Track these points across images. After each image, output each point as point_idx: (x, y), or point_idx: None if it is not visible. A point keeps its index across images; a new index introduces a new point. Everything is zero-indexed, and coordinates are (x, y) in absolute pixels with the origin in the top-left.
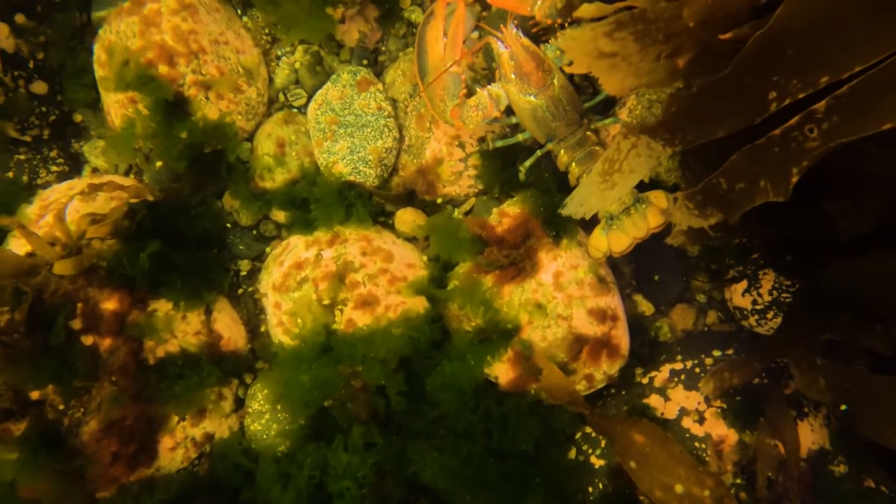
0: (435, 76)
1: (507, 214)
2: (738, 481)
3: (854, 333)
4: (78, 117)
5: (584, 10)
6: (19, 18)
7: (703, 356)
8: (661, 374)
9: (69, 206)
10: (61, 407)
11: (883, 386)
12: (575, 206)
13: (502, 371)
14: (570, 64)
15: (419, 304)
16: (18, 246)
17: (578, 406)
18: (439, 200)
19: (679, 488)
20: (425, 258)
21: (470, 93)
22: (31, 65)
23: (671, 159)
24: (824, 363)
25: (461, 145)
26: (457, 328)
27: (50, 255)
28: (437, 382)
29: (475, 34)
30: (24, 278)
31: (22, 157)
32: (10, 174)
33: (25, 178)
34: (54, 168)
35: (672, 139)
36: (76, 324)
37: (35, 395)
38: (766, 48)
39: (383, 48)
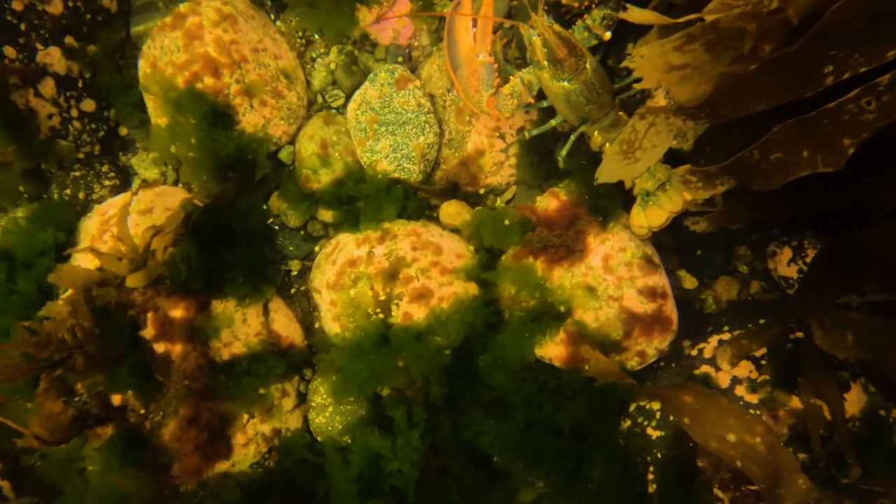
0: (467, 68)
1: (555, 196)
2: (780, 437)
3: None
4: (123, 130)
5: (639, 17)
6: (69, 41)
7: (749, 325)
8: (710, 345)
9: (129, 221)
10: (142, 411)
11: None
12: (606, 175)
13: (556, 352)
14: (640, 81)
15: (471, 290)
16: (86, 262)
17: (626, 381)
18: (482, 191)
19: (732, 437)
20: (472, 248)
21: (504, 81)
22: (80, 84)
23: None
24: (855, 316)
25: (501, 136)
26: (510, 311)
27: (119, 270)
28: (489, 359)
29: (506, 22)
30: (98, 290)
31: (77, 174)
32: (68, 191)
33: (82, 194)
34: (107, 182)
35: (698, 115)
36: (149, 332)
37: (117, 400)
38: (837, 22)
39: (416, 44)
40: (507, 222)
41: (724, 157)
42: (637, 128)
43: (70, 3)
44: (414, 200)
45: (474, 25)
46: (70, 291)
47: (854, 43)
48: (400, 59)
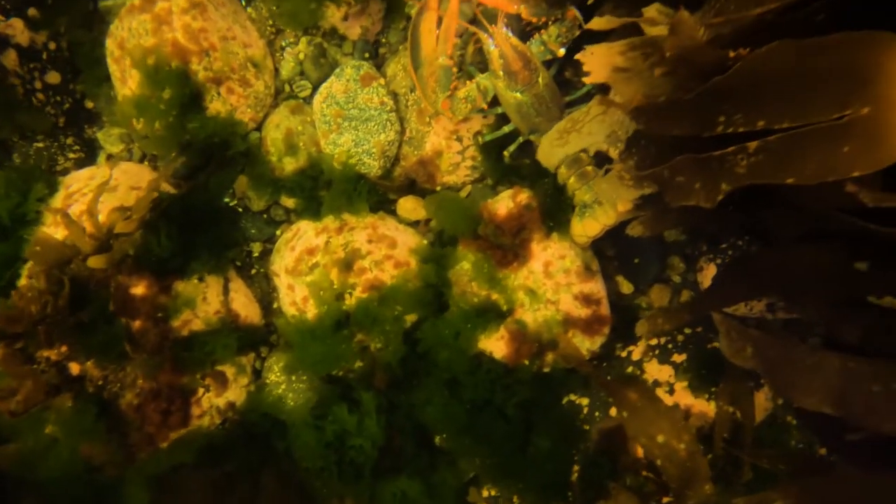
0: (427, 68)
1: (509, 199)
2: (700, 447)
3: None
4: (90, 104)
5: (596, 24)
6: (32, 12)
7: (675, 332)
8: (639, 349)
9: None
10: (100, 382)
11: (804, 356)
12: (541, 155)
13: (497, 347)
14: (588, 75)
15: (425, 270)
16: (53, 232)
17: (586, 367)
18: (438, 188)
19: (661, 438)
20: (426, 242)
21: (464, 84)
22: (44, 56)
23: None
24: (755, 331)
25: (459, 139)
26: (456, 304)
27: (84, 245)
28: (436, 339)
29: (469, 28)
30: (64, 266)
31: (41, 145)
32: (31, 162)
33: (44, 165)
34: (71, 155)
35: (637, 119)
36: (109, 307)
37: (76, 370)
38: (721, 88)
39: (384, 40)
40: (463, 210)
41: (646, 165)
42: (591, 110)
43: None
44: (373, 195)
45: (438, 27)
46: (32, 263)
47: (736, 106)
48: (367, 54)
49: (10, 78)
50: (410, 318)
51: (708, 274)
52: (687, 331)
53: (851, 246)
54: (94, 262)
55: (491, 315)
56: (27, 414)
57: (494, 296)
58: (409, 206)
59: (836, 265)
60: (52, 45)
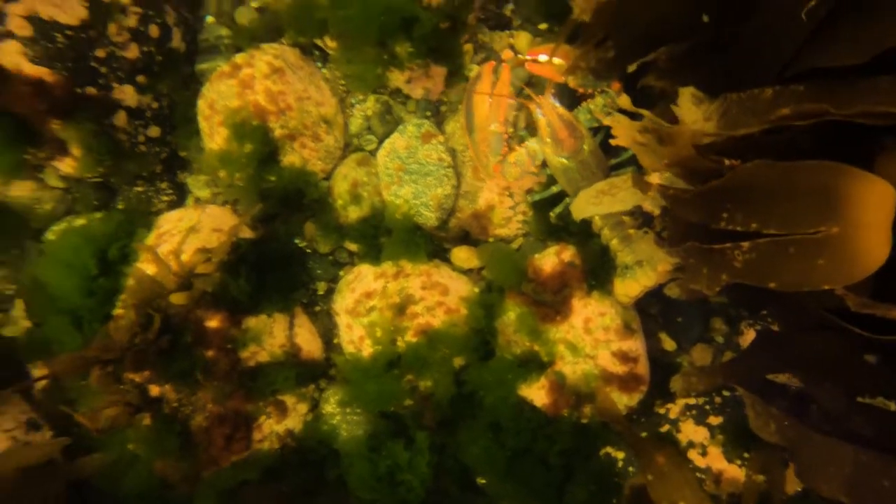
0: (480, 134)
1: (554, 255)
2: None
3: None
4: (182, 153)
5: (623, 102)
6: (141, 79)
7: (713, 394)
8: (676, 407)
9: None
10: (175, 405)
11: (822, 443)
12: (576, 210)
13: (538, 396)
14: (616, 138)
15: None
16: (145, 268)
17: (620, 424)
18: (491, 240)
19: None
20: (477, 290)
21: (514, 147)
22: (147, 114)
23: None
24: (776, 411)
25: (511, 195)
26: (501, 353)
27: (169, 283)
28: (476, 386)
29: (518, 100)
30: (153, 301)
31: (140, 189)
32: (132, 204)
33: (142, 208)
34: (164, 198)
35: (663, 197)
36: (188, 338)
37: (155, 392)
38: (719, 190)
39: (445, 100)
40: (513, 262)
41: (673, 239)
42: (614, 183)
43: (144, 49)
44: (430, 244)
45: (491, 96)
46: (126, 295)
47: (734, 207)
48: (429, 112)
49: (119, 134)
50: (458, 362)
51: (747, 338)
52: (725, 393)
53: (860, 338)
54: (176, 298)
55: (533, 365)
56: (114, 430)
57: (536, 347)
58: (462, 255)
59: (846, 356)
60: (154, 105)
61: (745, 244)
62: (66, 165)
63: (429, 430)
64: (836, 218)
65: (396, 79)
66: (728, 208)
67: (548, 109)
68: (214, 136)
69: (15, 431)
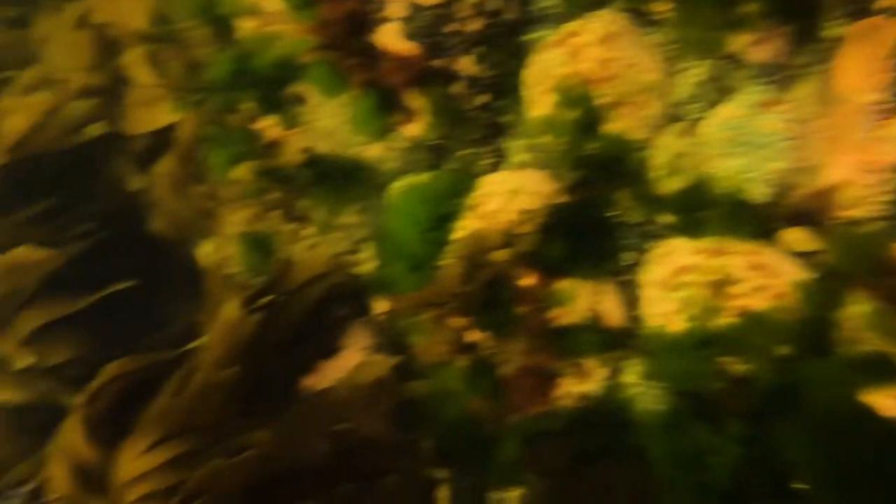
0: (846, 106)
1: None
2: None
3: None
4: (505, 119)
5: None
6: (478, 50)
7: None
8: None
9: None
10: (489, 351)
11: None
12: None
13: (889, 405)
14: None
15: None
16: (469, 226)
17: None
18: (835, 221)
19: None
20: (813, 276)
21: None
22: (481, 83)
23: None
24: None
25: (869, 171)
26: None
27: (492, 240)
28: (806, 379)
29: None
30: (478, 255)
31: (467, 151)
32: (462, 165)
33: (470, 169)
34: (487, 161)
35: None
36: (506, 293)
37: (473, 338)
38: None
39: (791, 63)
40: (863, 245)
41: None
42: None
43: (484, 22)
44: (758, 222)
45: (863, 59)
46: (455, 248)
47: None
48: (770, 79)
49: (457, 101)
50: (781, 350)
51: None
52: None
53: None
54: (500, 255)
55: (884, 370)
56: (437, 364)
57: (893, 349)
58: (796, 236)
59: None
60: (487, 73)
61: None
62: (412, 129)
63: (736, 416)
64: None
65: (737, 42)
66: None
67: None
68: (538, 103)
69: (366, 351)
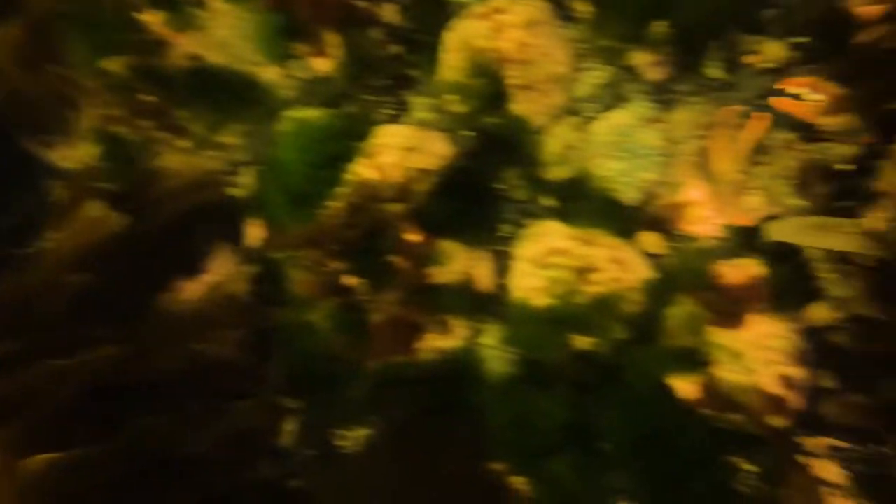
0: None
1: (736, 270)
2: None
3: None
4: (414, 73)
5: None
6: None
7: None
8: (819, 444)
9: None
10: (362, 297)
11: None
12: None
13: (687, 389)
14: None
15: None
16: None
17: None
18: (680, 233)
19: None
20: (657, 276)
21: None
22: (397, 33)
23: None
24: None
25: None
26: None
27: (383, 191)
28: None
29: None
30: (365, 203)
31: (370, 98)
32: (357, 110)
33: (370, 115)
34: (387, 111)
35: None
36: (387, 244)
37: (348, 282)
38: None
39: (678, 88)
40: (692, 259)
41: None
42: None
43: None
44: (623, 222)
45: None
46: (342, 190)
47: None
48: (657, 97)
49: (370, 46)
50: (618, 334)
51: None
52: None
53: None
54: (393, 207)
55: (690, 362)
56: (306, 300)
57: (699, 346)
58: (651, 240)
59: None
60: (406, 26)
61: None
62: (319, 64)
63: (568, 385)
64: None
65: (638, 58)
66: None
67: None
68: (452, 68)
69: (230, 274)
